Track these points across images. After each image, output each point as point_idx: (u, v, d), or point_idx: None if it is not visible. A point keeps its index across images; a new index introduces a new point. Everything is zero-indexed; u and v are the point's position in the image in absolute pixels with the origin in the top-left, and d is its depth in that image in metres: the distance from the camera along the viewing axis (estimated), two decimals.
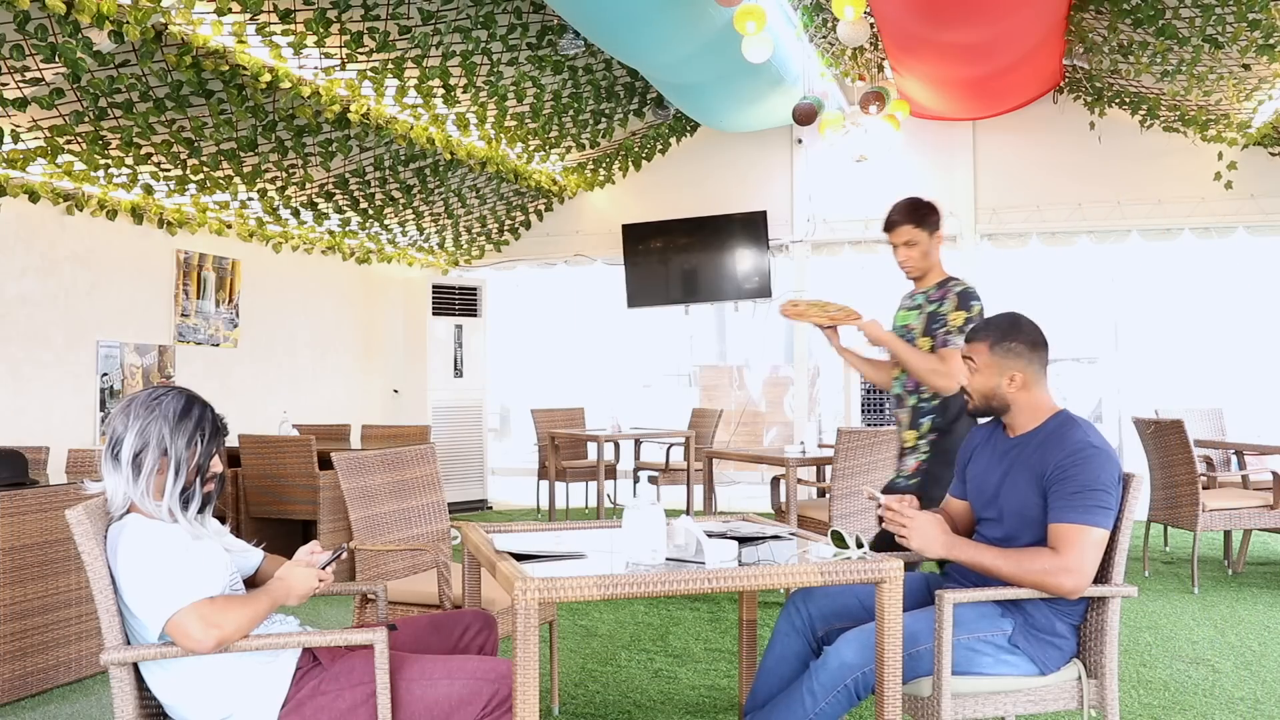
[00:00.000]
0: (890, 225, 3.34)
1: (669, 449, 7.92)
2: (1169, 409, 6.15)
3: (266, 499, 5.82)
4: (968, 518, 2.68)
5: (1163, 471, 5.32)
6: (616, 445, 7.98)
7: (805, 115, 6.78)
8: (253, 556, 2.36)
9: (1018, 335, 2.49)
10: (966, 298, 3.28)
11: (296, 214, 7.55)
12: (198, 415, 2.14)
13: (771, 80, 6.91)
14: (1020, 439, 2.50)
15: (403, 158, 7.05)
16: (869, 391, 8.66)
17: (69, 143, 5.46)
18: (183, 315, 7.26)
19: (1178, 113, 7.24)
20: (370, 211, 7.85)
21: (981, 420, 2.67)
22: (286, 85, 5.45)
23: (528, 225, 9.58)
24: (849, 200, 8.69)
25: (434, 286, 8.67)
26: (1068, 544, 2.28)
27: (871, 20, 6.16)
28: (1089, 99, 7.76)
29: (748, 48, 5.50)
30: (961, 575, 2.52)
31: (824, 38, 6.73)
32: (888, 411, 8.29)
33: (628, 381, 11.91)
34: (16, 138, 5.23)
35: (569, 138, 7.92)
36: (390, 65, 5.69)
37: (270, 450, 5.76)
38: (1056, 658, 2.39)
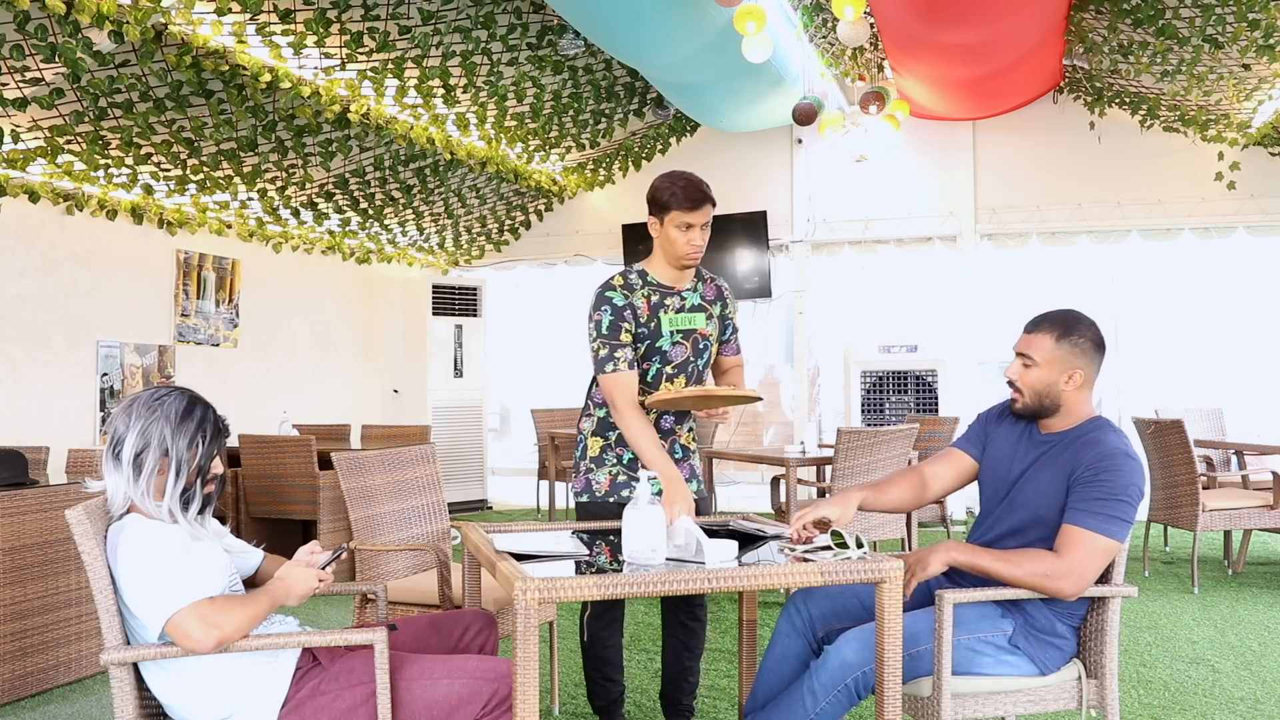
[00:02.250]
0: (699, 201, 2.78)
1: None
2: (1169, 409, 6.15)
3: (266, 499, 5.82)
4: (960, 476, 2.62)
5: (1163, 471, 5.32)
6: None
7: (805, 115, 6.78)
8: (253, 557, 2.36)
9: (1085, 330, 2.40)
10: (731, 294, 3.06)
11: (296, 214, 7.55)
12: (199, 416, 2.14)
13: (771, 80, 6.91)
14: (1052, 437, 2.45)
15: (403, 158, 7.05)
16: (869, 391, 8.66)
17: (69, 143, 5.46)
18: (183, 315, 7.26)
19: (1178, 113, 7.24)
20: (370, 211, 7.85)
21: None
22: (286, 85, 5.45)
23: (528, 225, 9.58)
24: (849, 200, 8.69)
25: (434, 286, 8.67)
26: (1074, 546, 2.26)
27: (871, 20, 6.15)
28: (1089, 99, 7.76)
29: (748, 48, 5.50)
30: (961, 575, 2.51)
31: (824, 38, 6.73)
32: (888, 411, 8.29)
33: None
34: (16, 138, 5.23)
35: (569, 138, 7.92)
36: (390, 65, 5.69)
37: (270, 450, 5.76)
38: (1057, 658, 2.39)
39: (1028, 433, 2.51)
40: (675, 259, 2.86)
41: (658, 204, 2.83)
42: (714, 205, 2.84)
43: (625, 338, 2.82)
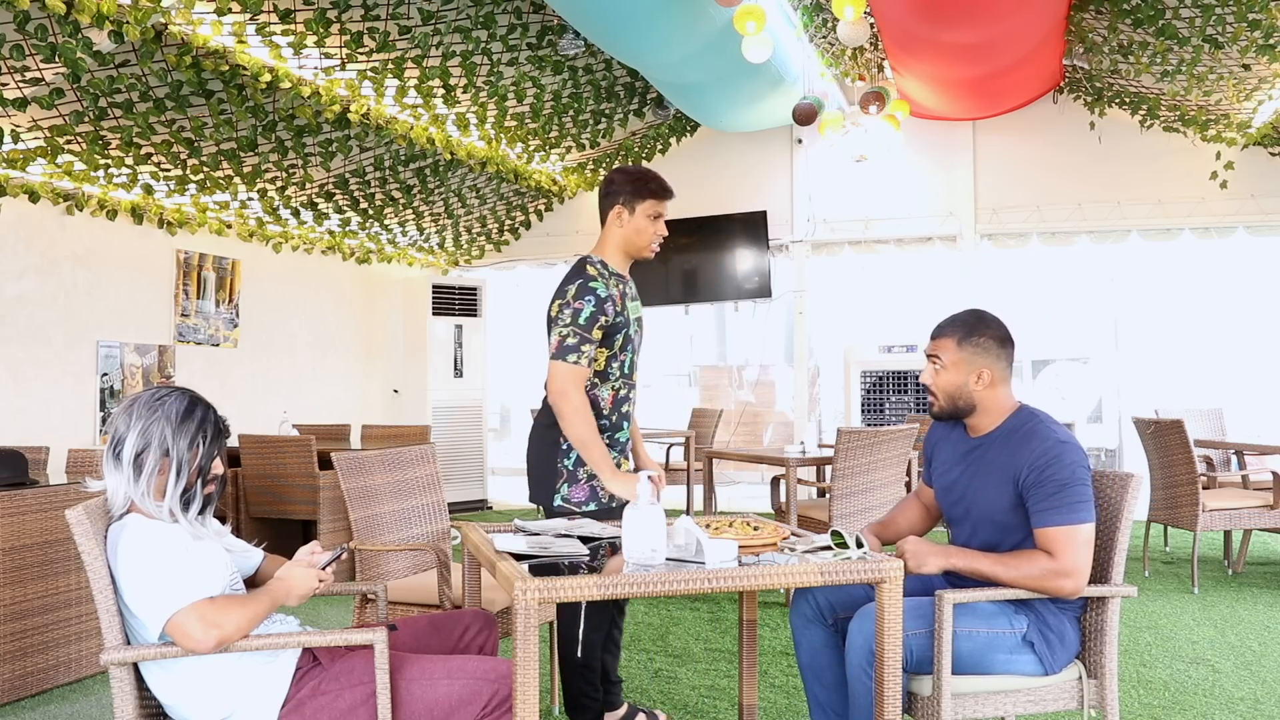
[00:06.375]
0: (669, 193, 2.90)
1: (669, 449, 7.91)
2: (1169, 409, 6.15)
3: (266, 499, 5.82)
4: (936, 504, 2.67)
5: (1163, 471, 5.32)
6: None
7: (805, 115, 6.78)
8: (253, 557, 2.36)
9: (986, 330, 2.46)
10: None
11: (296, 214, 7.55)
12: (200, 416, 2.14)
13: (771, 80, 6.91)
14: (982, 439, 2.48)
15: (403, 158, 7.05)
16: (869, 391, 8.66)
17: (69, 143, 5.46)
18: (183, 315, 7.26)
19: (1178, 113, 7.24)
20: (370, 211, 7.85)
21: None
22: (286, 85, 5.45)
23: (528, 225, 9.58)
24: (849, 200, 8.69)
25: (434, 286, 8.67)
26: (1059, 547, 2.28)
27: (871, 20, 6.16)
28: (1089, 99, 7.76)
29: (748, 48, 5.50)
30: (962, 578, 2.52)
31: (824, 38, 6.73)
32: (888, 411, 8.29)
33: None
34: (16, 138, 5.24)
35: (569, 138, 7.92)
36: (390, 65, 5.69)
37: (270, 450, 5.76)
38: (1064, 657, 2.39)
39: (958, 438, 2.55)
40: (637, 249, 2.88)
41: (632, 192, 2.84)
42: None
43: (596, 334, 2.78)
